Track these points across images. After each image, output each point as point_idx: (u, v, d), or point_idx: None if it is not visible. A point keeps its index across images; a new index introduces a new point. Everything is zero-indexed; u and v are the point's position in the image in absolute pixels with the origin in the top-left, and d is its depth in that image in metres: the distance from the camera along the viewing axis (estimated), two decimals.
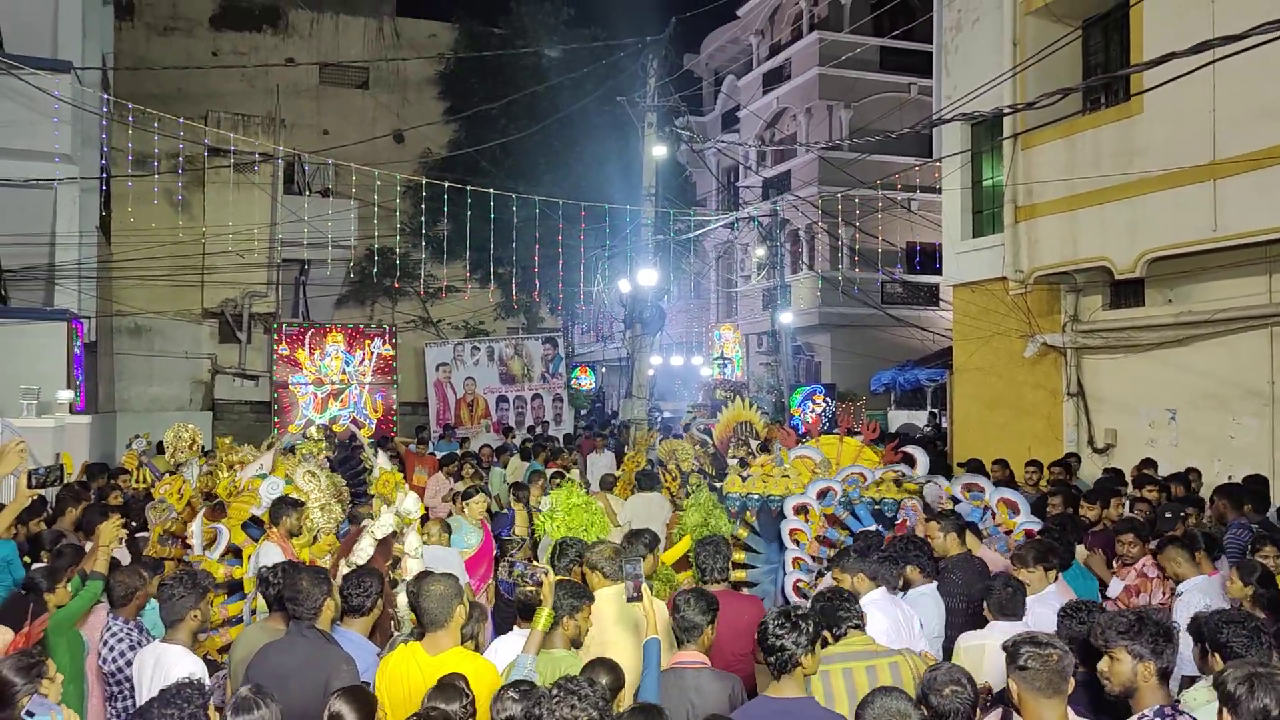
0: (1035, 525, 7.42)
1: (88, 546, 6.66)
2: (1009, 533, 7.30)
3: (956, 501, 7.65)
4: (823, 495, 7.88)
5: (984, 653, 4.73)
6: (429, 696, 3.60)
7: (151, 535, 7.61)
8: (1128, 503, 8.42)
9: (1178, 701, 3.80)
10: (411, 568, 5.75)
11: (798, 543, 7.74)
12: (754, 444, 11.02)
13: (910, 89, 28.68)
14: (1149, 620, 3.60)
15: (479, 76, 23.81)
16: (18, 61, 13.38)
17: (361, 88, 24.11)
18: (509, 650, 4.64)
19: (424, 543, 6.37)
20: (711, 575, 5.41)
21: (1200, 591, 5.60)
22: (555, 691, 2.80)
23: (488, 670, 4.20)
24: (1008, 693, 3.71)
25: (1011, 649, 3.46)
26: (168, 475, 8.62)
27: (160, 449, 10.47)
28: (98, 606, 5.63)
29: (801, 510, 7.79)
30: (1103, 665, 3.66)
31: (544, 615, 4.23)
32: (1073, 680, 3.47)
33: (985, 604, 4.95)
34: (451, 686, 3.64)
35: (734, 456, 10.62)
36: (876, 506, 7.83)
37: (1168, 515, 6.72)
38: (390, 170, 18.20)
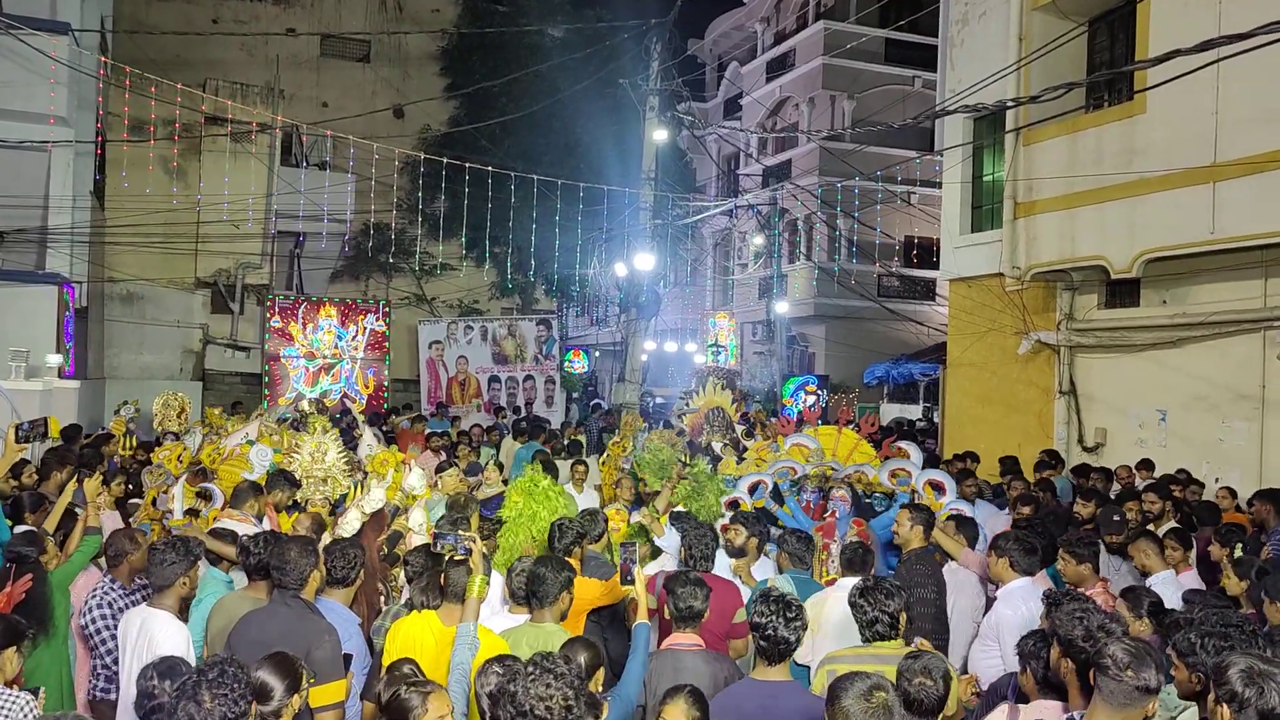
0: (963, 507, 7.47)
1: (76, 511, 6.66)
2: (950, 517, 7.26)
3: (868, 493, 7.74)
4: (753, 489, 7.95)
5: (824, 604, 5.17)
6: (383, 685, 3.55)
7: (145, 500, 7.58)
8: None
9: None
10: (415, 543, 5.74)
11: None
12: (740, 429, 11.01)
13: (914, 82, 28.60)
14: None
15: (481, 54, 23.65)
16: (15, 21, 13.24)
17: (362, 61, 23.93)
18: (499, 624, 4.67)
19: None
20: (699, 564, 5.39)
21: (1171, 586, 5.61)
22: (531, 669, 2.79)
23: (500, 646, 4.23)
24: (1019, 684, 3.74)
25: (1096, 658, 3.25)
26: (169, 441, 8.60)
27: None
28: (90, 569, 5.64)
29: (733, 505, 7.80)
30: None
31: (477, 583, 4.24)
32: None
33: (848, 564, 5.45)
34: (405, 671, 3.62)
35: (717, 441, 10.61)
36: (811, 497, 7.89)
37: (1115, 518, 6.72)
38: (389, 145, 18.09)
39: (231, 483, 7.06)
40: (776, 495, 8.03)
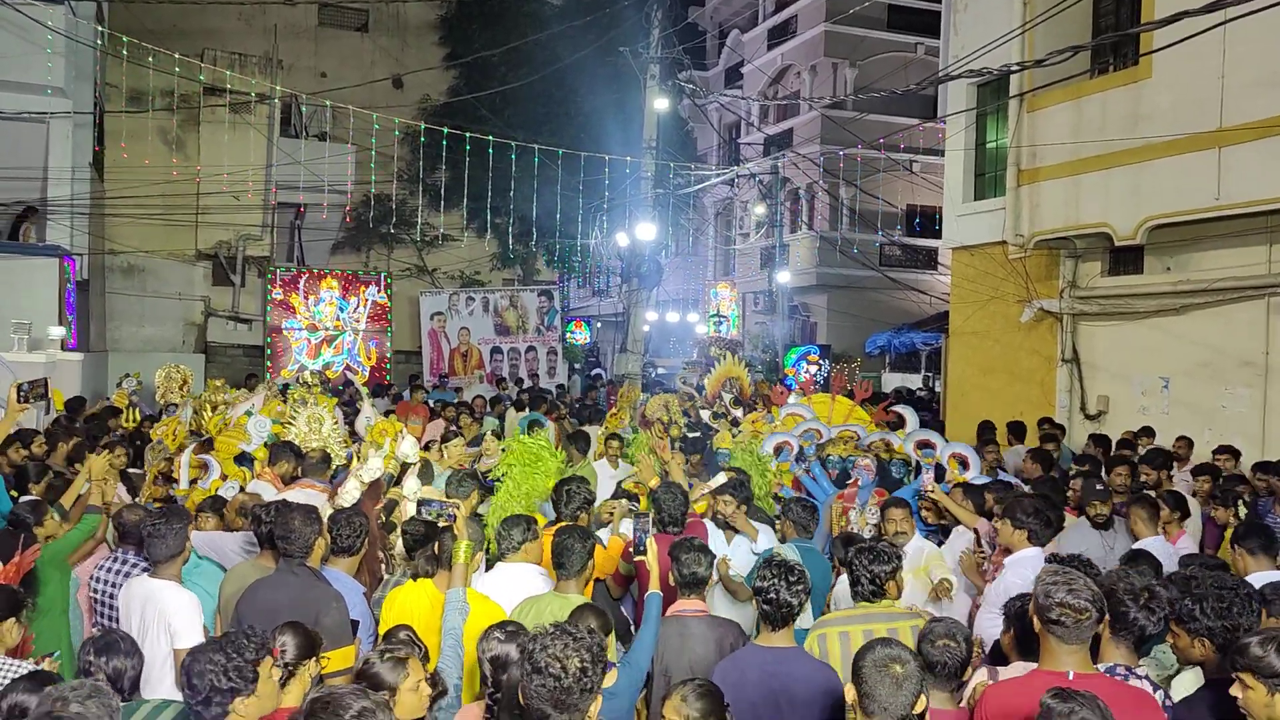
0: (984, 482, 7.48)
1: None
2: (956, 485, 7.30)
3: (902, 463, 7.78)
4: (778, 451, 7.94)
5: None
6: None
7: (148, 476, 7.61)
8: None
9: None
10: (410, 511, 5.74)
11: None
12: (727, 398, 11.04)
13: (917, 49, 28.33)
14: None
15: (480, 23, 23.44)
16: None
17: (360, 30, 23.72)
18: (500, 582, 4.70)
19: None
20: (669, 527, 5.42)
21: (1157, 554, 5.61)
22: (552, 629, 2.78)
23: (497, 612, 4.27)
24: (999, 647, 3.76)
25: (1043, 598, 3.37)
26: (165, 417, 8.63)
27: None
28: (98, 544, 5.65)
29: None
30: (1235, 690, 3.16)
31: (462, 548, 4.28)
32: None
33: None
34: (401, 642, 3.62)
35: (715, 413, 10.65)
36: (830, 464, 7.89)
37: (1098, 488, 6.56)
38: (388, 115, 17.98)
39: (229, 454, 7.08)
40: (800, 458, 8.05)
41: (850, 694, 2.99)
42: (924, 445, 7.90)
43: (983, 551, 6.10)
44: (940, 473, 7.69)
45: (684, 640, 4.19)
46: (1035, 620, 3.41)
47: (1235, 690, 3.07)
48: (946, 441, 8.14)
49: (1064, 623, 3.29)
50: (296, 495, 5.87)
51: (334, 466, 6.93)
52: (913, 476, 7.84)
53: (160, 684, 4.25)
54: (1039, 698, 2.87)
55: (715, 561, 5.11)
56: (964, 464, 7.75)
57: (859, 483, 7.24)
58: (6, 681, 3.43)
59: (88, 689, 2.80)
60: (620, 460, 8.69)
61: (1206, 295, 11.07)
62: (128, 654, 3.67)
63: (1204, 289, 11.06)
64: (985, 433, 11.09)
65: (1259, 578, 4.68)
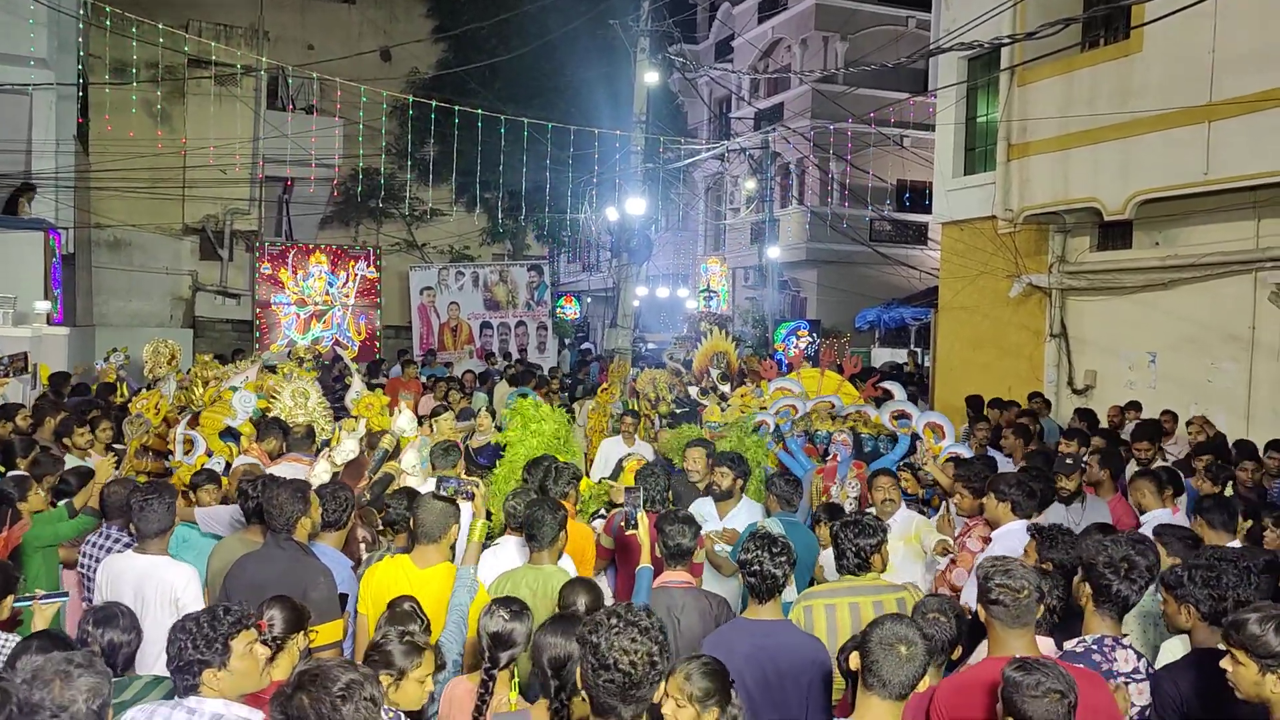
0: (962, 450, 7.52)
1: (65, 457, 6.66)
2: (935, 457, 7.33)
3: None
4: (755, 429, 7.98)
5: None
6: (384, 621, 3.57)
7: (129, 450, 7.57)
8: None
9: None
10: (409, 484, 5.75)
11: None
12: (715, 374, 11.04)
13: (908, 22, 28.20)
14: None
15: None
16: None
17: (348, 2, 23.46)
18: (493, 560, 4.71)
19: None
20: (652, 506, 5.45)
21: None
22: (614, 621, 2.65)
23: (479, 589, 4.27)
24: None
25: (982, 581, 3.43)
26: (144, 390, 8.59)
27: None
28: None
29: None
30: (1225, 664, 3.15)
31: (478, 527, 4.32)
32: (1042, 609, 3.49)
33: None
34: (404, 614, 3.63)
35: (703, 389, 10.66)
36: (809, 441, 7.92)
37: (1068, 461, 6.42)
38: (377, 89, 17.83)
39: (214, 429, 7.05)
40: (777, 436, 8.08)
41: (855, 661, 3.00)
42: (900, 416, 7.96)
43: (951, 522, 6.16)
44: (916, 442, 7.73)
45: (671, 612, 4.22)
46: (980, 609, 3.44)
47: (1226, 664, 3.07)
48: (921, 411, 8.18)
49: (1003, 602, 3.31)
50: (284, 470, 5.85)
51: (318, 441, 6.93)
52: (886, 449, 7.90)
53: (159, 660, 4.25)
54: (989, 685, 2.87)
55: (701, 534, 5.19)
56: (939, 433, 7.78)
57: (838, 457, 7.27)
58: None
59: (82, 656, 2.79)
60: (636, 437, 8.69)
61: (1194, 270, 11.10)
62: (126, 629, 3.67)
63: (1191, 264, 11.09)
64: (975, 407, 11.15)
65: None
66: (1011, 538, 5.14)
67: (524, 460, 6.56)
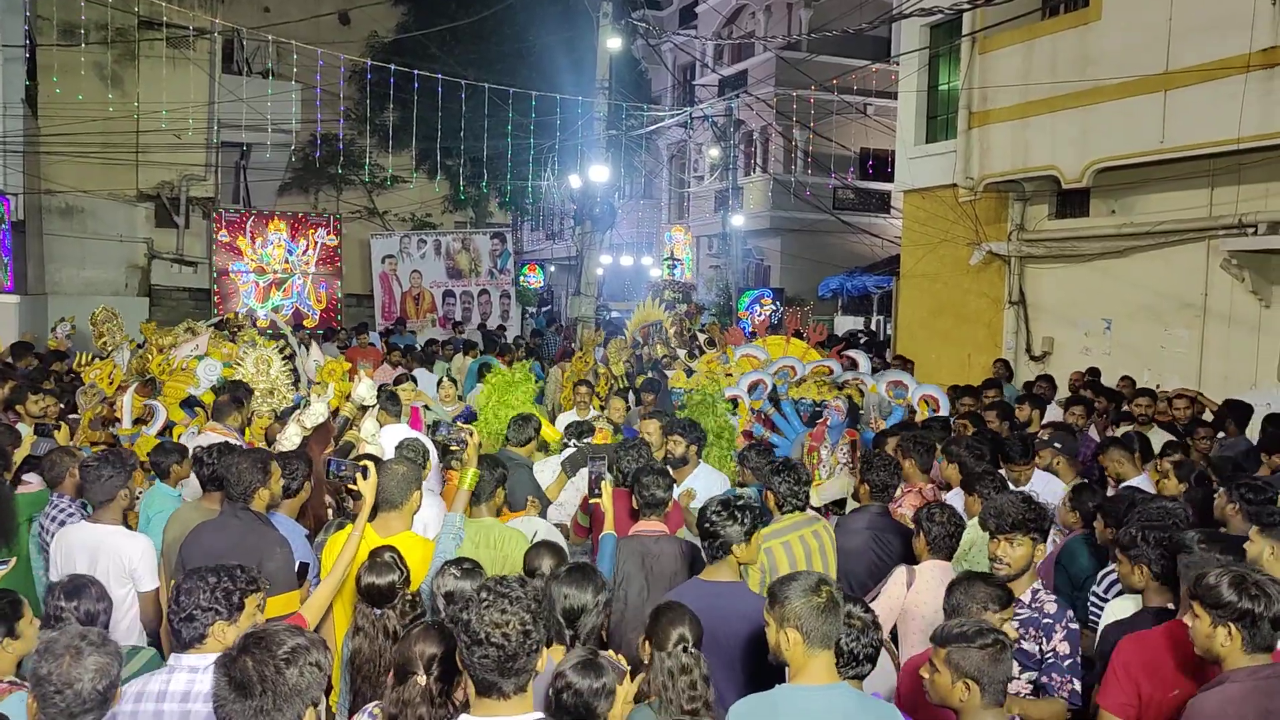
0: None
1: (19, 426, 6.55)
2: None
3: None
4: (753, 388, 7.99)
5: None
6: (363, 570, 3.63)
7: (82, 420, 7.46)
8: (1062, 412, 8.55)
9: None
10: (368, 450, 5.70)
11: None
12: (701, 338, 11.07)
13: None
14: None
15: None
16: None
17: None
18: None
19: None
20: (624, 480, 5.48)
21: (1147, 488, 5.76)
22: (485, 595, 2.61)
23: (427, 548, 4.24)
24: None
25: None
26: (98, 360, 8.43)
27: None
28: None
29: (731, 403, 7.89)
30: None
31: (469, 475, 4.38)
32: None
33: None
34: (385, 564, 3.65)
35: (660, 351, 10.68)
36: (801, 407, 7.96)
37: (1021, 449, 5.99)
38: (334, 53, 17.49)
39: (176, 398, 6.96)
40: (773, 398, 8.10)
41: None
42: (895, 385, 8.03)
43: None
44: (911, 414, 7.82)
45: (643, 557, 4.37)
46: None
47: (1186, 619, 3.13)
48: (918, 383, 8.25)
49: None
50: (205, 440, 5.76)
51: (279, 408, 6.86)
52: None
53: (118, 628, 4.22)
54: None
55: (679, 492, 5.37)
56: (934, 405, 7.86)
57: (829, 422, 7.30)
58: None
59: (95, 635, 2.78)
60: (589, 407, 8.72)
61: (1149, 238, 11.27)
62: (99, 597, 3.61)
63: (1147, 232, 11.25)
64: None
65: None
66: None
67: (497, 431, 6.56)
